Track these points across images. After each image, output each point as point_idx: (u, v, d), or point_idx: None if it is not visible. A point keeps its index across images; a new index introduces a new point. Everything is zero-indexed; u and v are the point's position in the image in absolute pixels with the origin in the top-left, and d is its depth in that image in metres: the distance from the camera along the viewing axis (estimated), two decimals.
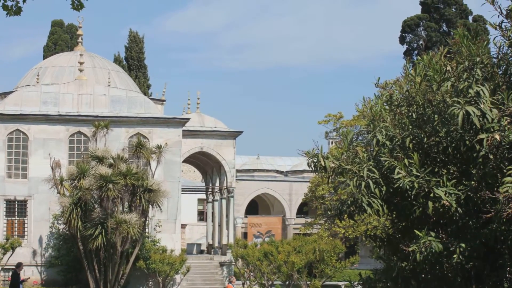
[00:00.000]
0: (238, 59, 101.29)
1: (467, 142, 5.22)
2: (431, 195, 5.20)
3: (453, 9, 39.19)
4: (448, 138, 5.33)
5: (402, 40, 40.08)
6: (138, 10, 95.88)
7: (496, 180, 5.11)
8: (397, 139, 5.51)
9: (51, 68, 27.26)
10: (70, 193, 19.90)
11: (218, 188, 28.42)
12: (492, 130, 4.95)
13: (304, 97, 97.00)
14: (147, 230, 22.37)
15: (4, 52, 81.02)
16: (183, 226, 31.61)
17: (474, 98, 5.03)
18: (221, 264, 26.08)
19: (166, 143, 22.46)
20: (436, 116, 5.33)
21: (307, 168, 27.89)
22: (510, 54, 5.16)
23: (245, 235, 36.21)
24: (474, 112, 4.93)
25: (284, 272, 21.51)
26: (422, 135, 5.45)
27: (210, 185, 29.61)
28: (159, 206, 20.19)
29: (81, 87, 24.17)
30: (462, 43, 5.22)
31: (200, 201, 40.23)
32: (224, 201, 27.98)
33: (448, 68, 5.31)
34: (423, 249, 5.15)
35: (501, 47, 5.17)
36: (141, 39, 42.69)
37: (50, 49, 40.93)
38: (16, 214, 23.14)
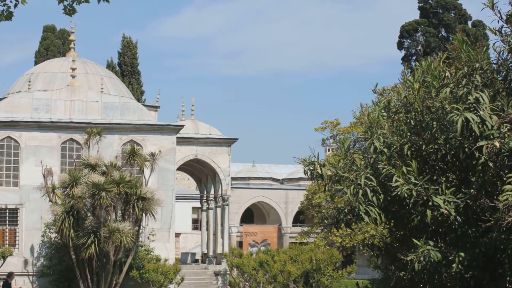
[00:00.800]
0: (234, 65, 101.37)
1: (466, 149, 5.17)
2: (430, 203, 5.15)
3: (452, 14, 39.10)
4: (447, 146, 5.27)
5: (400, 45, 40.00)
6: (132, 15, 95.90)
7: (495, 188, 5.06)
8: (395, 147, 5.45)
9: (43, 74, 27.07)
10: (62, 202, 19.68)
11: (213, 196, 28.24)
12: (491, 137, 4.90)
13: (301, 104, 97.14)
14: (140, 239, 22.13)
15: None
16: (177, 235, 31.36)
17: (474, 104, 4.98)
18: (216, 274, 25.84)
19: (160, 151, 22.31)
20: (434, 123, 5.27)
21: (304, 176, 27.85)
22: (510, 60, 5.11)
23: (240, 244, 35.96)
24: (473, 119, 4.87)
25: (280, 281, 21.33)
26: (421, 142, 5.40)
27: (205, 193, 29.43)
28: (153, 215, 19.99)
29: (73, 93, 24.01)
30: (461, 48, 5.17)
31: (194, 209, 39.98)
32: (219, 210, 27.80)
33: (447, 74, 5.26)
34: (422, 258, 5.11)
35: (501, 53, 5.13)
36: (134, 44, 42.49)
37: (42, 55, 40.71)
38: (7, 222, 22.83)
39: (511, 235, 5.07)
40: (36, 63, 38.71)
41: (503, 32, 5.07)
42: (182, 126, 24.96)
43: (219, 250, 27.32)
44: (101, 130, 21.61)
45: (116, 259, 19.33)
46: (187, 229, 39.87)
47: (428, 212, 5.14)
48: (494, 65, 5.23)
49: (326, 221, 28.27)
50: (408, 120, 5.55)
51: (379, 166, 5.42)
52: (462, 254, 5.16)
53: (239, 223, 38.25)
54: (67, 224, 18.84)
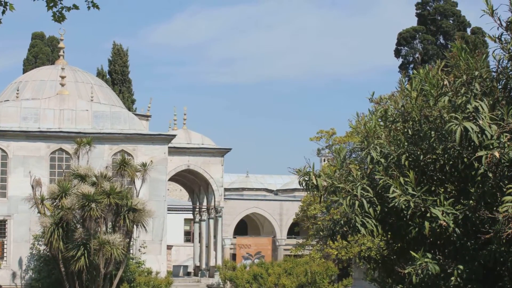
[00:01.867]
0: (227, 73, 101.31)
1: (465, 159, 5.10)
2: (428, 215, 5.08)
3: (451, 21, 38.93)
4: (446, 156, 5.20)
5: (397, 53, 39.81)
6: (122, 22, 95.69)
7: (495, 199, 4.99)
8: (392, 157, 5.36)
9: (31, 83, 26.81)
10: (51, 213, 19.38)
11: (206, 207, 28.00)
12: (491, 147, 4.83)
13: (296, 113, 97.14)
14: (131, 251, 21.84)
15: None
16: (169, 247, 30.99)
17: (473, 113, 4.91)
18: (209, 287, 25.51)
19: (151, 161, 22.09)
20: (433, 132, 5.20)
21: (299, 187, 27.57)
22: (510, 68, 5.04)
23: (233, 256, 35.60)
24: (472, 128, 4.80)
25: None
26: (418, 152, 5.32)
27: (197, 204, 29.18)
28: (144, 227, 19.75)
29: (62, 102, 23.78)
30: (460, 56, 5.10)
31: (186, 221, 39.64)
32: (211, 221, 27.55)
33: (446, 82, 5.19)
34: (420, 271, 5.04)
35: (501, 61, 5.07)
36: (125, 52, 42.17)
37: (31, 63, 40.35)
38: None
39: (511, 247, 4.96)
40: (24, 71, 38.37)
41: (503, 39, 5.01)
42: (174, 135, 24.78)
43: (212, 263, 27.01)
44: (91, 139, 21.38)
45: (106, 272, 19.01)
46: (179, 241, 39.46)
47: (426, 224, 5.07)
48: (493, 73, 5.17)
49: (321, 233, 28.00)
50: (405, 130, 5.47)
51: (376, 177, 5.35)
52: (461, 266, 5.09)
53: (233, 235, 37.92)
54: (56, 236, 18.54)
